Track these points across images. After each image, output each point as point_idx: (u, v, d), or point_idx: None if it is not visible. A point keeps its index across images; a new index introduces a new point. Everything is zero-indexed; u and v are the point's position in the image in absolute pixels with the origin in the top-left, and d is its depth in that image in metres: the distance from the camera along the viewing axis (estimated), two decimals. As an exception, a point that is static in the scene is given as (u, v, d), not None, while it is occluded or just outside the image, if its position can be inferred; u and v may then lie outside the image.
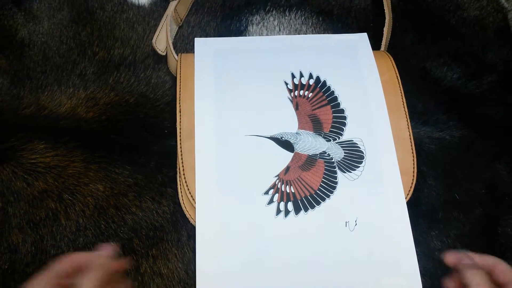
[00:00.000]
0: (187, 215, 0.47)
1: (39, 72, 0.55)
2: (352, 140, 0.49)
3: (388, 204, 0.46)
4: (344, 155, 0.48)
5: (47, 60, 0.55)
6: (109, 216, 0.48)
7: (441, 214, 0.51)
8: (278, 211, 0.45)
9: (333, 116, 0.50)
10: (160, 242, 0.48)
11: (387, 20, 0.57)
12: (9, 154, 0.49)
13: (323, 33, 0.59)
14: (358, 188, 0.47)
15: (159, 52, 0.55)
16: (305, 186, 0.46)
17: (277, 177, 0.46)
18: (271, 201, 0.45)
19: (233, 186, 0.46)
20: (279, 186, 0.46)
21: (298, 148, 0.48)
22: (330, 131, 0.49)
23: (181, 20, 0.58)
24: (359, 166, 0.48)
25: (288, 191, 0.46)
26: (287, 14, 0.59)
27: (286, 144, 0.48)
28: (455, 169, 0.52)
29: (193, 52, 0.56)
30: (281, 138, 0.48)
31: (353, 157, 0.48)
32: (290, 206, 0.45)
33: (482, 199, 0.52)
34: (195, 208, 0.45)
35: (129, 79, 0.55)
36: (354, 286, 0.43)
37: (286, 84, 0.51)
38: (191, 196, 0.45)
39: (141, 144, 0.51)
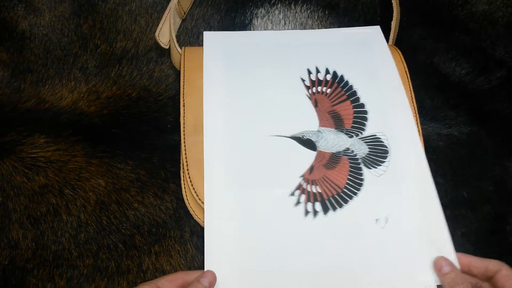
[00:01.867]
0: (191, 212, 0.46)
1: (40, 65, 0.54)
2: (375, 135, 0.48)
3: (419, 198, 0.44)
4: (368, 151, 0.47)
5: (48, 53, 0.55)
6: (111, 211, 0.47)
7: (449, 212, 0.50)
8: (307, 212, 0.43)
9: (354, 111, 0.49)
10: (163, 238, 0.47)
11: (395, 14, 0.56)
12: (9, 148, 0.49)
13: (330, 27, 0.58)
14: (386, 184, 0.45)
15: (162, 45, 0.54)
16: (331, 185, 0.45)
17: (302, 177, 0.45)
18: (298, 202, 0.44)
19: (258, 188, 0.44)
20: (304, 187, 0.44)
21: (321, 146, 0.46)
22: (352, 126, 0.48)
23: (184, 13, 0.57)
24: (384, 161, 0.46)
25: (314, 191, 0.44)
26: (293, 8, 0.58)
27: (308, 143, 0.46)
28: (463, 166, 0.52)
29: (197, 46, 0.55)
30: (303, 137, 0.47)
31: (378, 152, 0.47)
32: (318, 206, 0.44)
33: (490, 197, 0.51)
34: (199, 204, 0.44)
35: (131, 72, 0.54)
36: (389, 284, 0.41)
37: (303, 80, 0.50)
38: (195, 192, 0.44)
39: (143, 139, 0.50)
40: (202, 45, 0.56)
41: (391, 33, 0.56)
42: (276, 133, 0.47)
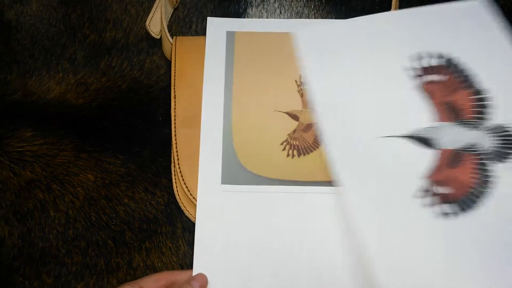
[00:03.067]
0: (182, 207, 0.44)
1: (26, 56, 0.52)
2: (502, 125, 0.42)
3: None
4: (496, 143, 0.42)
5: (35, 44, 0.53)
6: (100, 207, 0.46)
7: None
8: (436, 215, 0.39)
9: (473, 99, 0.43)
10: (154, 234, 0.45)
11: (393, 3, 0.55)
12: (-5, 142, 0.47)
13: (327, 16, 0.56)
14: None
15: (153, 35, 0.53)
16: (458, 185, 0.41)
17: (424, 179, 0.41)
18: (425, 205, 0.40)
19: (378, 194, 0.40)
20: (429, 188, 0.40)
21: (440, 143, 0.42)
22: (473, 117, 0.43)
23: (176, 2, 0.56)
24: None
25: (440, 192, 0.40)
26: (288, -4, 0.57)
27: (425, 141, 0.42)
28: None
29: (189, 35, 0.53)
30: (418, 135, 0.42)
31: (508, 143, 0.42)
32: (447, 208, 0.40)
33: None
34: (190, 200, 0.43)
35: (121, 63, 0.52)
36: None
37: (408, 70, 0.45)
38: (186, 187, 0.43)
39: (134, 132, 0.49)
40: (194, 35, 0.54)
41: (389, 22, 0.54)
42: (387, 133, 0.42)
